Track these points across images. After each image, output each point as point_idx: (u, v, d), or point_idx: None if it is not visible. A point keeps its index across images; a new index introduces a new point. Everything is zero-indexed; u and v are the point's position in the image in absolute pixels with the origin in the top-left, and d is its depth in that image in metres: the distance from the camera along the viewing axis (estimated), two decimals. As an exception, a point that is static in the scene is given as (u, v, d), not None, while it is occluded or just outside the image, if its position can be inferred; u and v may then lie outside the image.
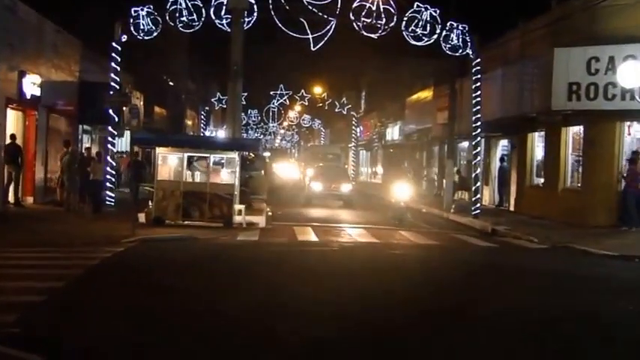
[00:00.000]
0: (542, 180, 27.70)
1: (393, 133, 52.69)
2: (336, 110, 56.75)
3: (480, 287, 12.44)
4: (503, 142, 32.32)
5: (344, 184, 32.88)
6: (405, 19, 24.74)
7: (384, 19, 24.52)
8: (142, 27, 24.26)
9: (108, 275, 12.49)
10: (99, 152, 26.51)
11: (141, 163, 30.00)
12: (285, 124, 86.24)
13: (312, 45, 25.78)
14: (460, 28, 25.37)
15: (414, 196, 28.54)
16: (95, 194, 23.58)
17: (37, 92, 24.67)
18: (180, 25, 24.56)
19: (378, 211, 28.41)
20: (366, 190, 44.33)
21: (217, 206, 20.48)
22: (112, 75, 24.46)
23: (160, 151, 21.07)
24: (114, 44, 24.49)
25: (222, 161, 21.45)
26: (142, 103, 36.98)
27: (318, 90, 60.94)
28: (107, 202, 24.29)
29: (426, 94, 42.08)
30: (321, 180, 33.08)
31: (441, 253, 17.62)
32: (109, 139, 25.16)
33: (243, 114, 53.05)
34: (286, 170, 56.93)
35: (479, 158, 27.32)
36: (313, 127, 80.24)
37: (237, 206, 21.14)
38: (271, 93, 57.15)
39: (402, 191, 24.45)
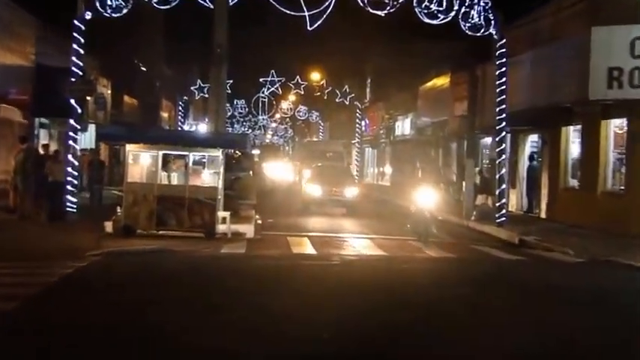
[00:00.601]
0: (578, 182, 27.73)
1: (403, 126, 52.76)
2: (337, 100, 56.77)
3: (503, 309, 12.46)
4: (533, 138, 32.26)
5: (348, 188, 32.68)
6: (418, -8, 24.60)
7: (392, -6, 24.36)
8: (109, 2, 24.13)
9: (68, 294, 12.44)
10: (57, 150, 26.32)
11: (101, 163, 29.87)
12: (277, 116, 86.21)
13: (308, 24, 25.65)
14: (482, 3, 25.27)
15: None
16: (54, 198, 23.42)
17: (-14, 79, 24.55)
18: (155, 0, 24.41)
19: (388, 220, 28.45)
20: (373, 194, 44.37)
21: (198, 213, 20.59)
22: (74, 59, 24.27)
23: (131, 148, 21.09)
24: (76, 22, 24.31)
25: (204, 160, 21.49)
26: (109, 91, 37.25)
27: (315, 77, 60.86)
28: (68, 209, 23.94)
29: (441, 82, 41.96)
30: (320, 182, 32.86)
31: (458, 267, 17.80)
32: (71, 134, 24.71)
33: (228, 105, 51.60)
34: (278, 171, 56.83)
35: (504, 156, 27.02)
36: (310, 120, 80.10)
37: (221, 213, 21.27)
38: (261, 80, 56.80)
39: (428, 197, 22.80)
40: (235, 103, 69.52)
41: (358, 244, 21.43)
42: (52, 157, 25.17)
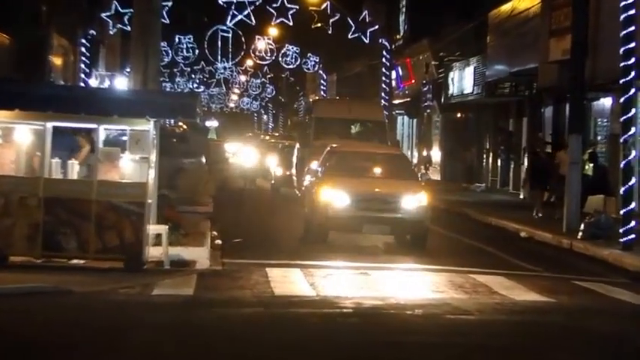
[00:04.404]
0: None
1: (462, 81, 43.98)
2: (350, 36, 46.16)
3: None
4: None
5: (406, 194, 21.68)
6: None
7: None
8: None
9: None
10: None
11: None
12: (249, 63, 73.65)
13: None
14: None
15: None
16: None
17: None
18: None
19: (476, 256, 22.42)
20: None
21: (113, 227, 18.06)
22: None
23: (-1, 118, 18.89)
24: None
25: (123, 138, 19.13)
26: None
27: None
28: None
29: (527, 4, 35.30)
30: (346, 183, 21.95)
31: (557, 324, 15.04)
32: None
33: (164, 44, 46.26)
34: (252, 157, 47.03)
35: (634, 131, 22.97)
36: (305, 70, 64.83)
37: (154, 228, 18.62)
38: (221, 2, 46.70)
39: None
40: (177, 41, 58.70)
41: (388, 280, 18.09)
42: None
